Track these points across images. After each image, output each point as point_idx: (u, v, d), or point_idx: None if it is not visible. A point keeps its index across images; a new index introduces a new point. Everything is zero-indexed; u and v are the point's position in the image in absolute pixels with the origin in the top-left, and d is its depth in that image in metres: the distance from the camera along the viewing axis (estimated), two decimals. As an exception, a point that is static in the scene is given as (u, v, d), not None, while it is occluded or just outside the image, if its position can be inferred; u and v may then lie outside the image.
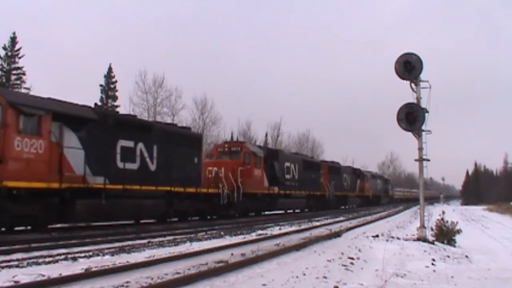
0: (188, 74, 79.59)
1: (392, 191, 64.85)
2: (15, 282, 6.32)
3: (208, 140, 43.34)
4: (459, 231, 13.47)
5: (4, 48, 38.74)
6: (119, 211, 15.48)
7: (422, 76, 13.05)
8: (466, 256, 11.18)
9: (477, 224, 26.17)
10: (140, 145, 16.56)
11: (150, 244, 11.44)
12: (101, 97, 42.47)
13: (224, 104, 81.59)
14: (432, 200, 68.95)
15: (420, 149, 12.97)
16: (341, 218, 24.94)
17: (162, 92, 43.23)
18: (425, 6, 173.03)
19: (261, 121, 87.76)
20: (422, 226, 12.97)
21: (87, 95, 53.14)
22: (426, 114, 12.81)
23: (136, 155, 16.34)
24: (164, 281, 6.40)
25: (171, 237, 13.09)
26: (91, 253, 9.47)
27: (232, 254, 9.46)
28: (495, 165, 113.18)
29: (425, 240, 12.50)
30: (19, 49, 39.12)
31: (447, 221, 13.67)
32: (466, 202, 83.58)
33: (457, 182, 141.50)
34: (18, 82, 38.55)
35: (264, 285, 6.52)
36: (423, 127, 12.90)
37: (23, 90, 34.90)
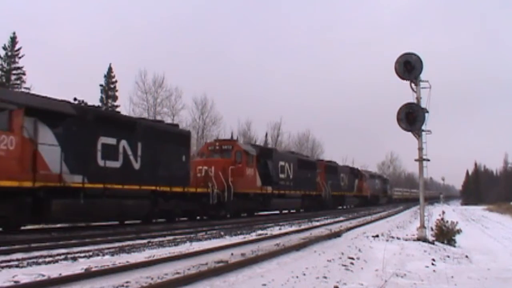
0: (188, 74, 79.66)
1: (391, 191, 64.38)
2: (15, 282, 6.32)
3: (208, 140, 43.36)
4: (459, 231, 13.48)
5: (4, 48, 38.79)
6: (99, 211, 14.85)
7: (422, 76, 13.08)
8: (466, 256, 11.18)
9: (477, 224, 26.17)
10: (123, 143, 15.94)
11: (150, 244, 11.44)
12: (101, 97, 42.53)
13: (224, 104, 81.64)
14: (432, 200, 68.91)
15: (420, 149, 12.97)
16: (341, 218, 24.94)
17: (162, 92, 43.34)
18: (425, 6, 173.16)
19: (261, 121, 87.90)
20: (422, 226, 12.97)
21: (87, 95, 53.16)
22: (426, 114, 12.81)
23: (119, 152, 15.74)
24: (164, 281, 6.40)
25: (171, 237, 13.09)
26: (91, 253, 9.47)
27: (232, 254, 9.46)
28: (495, 165, 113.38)
29: (425, 240, 12.50)
30: (19, 49, 39.17)
31: (447, 221, 13.67)
32: (466, 202, 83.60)
33: (457, 182, 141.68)
34: (18, 82, 38.58)
35: (264, 285, 6.52)
36: (423, 127, 12.91)
37: (23, 90, 34.90)
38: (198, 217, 20.69)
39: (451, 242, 13.08)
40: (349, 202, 42.54)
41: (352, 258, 9.15)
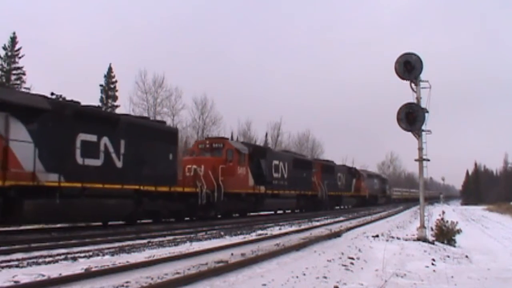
0: (188, 74, 79.67)
1: (389, 191, 63.48)
2: (15, 282, 6.33)
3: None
4: (459, 231, 13.47)
5: (4, 48, 38.80)
6: (78, 211, 14.09)
7: (422, 76, 13.08)
8: (466, 256, 11.18)
9: (477, 224, 26.17)
10: (105, 140, 15.19)
11: (150, 244, 11.44)
12: (101, 97, 42.55)
13: (224, 104, 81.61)
14: (432, 200, 68.88)
15: (420, 149, 12.97)
16: (341, 218, 24.94)
17: (162, 92, 43.34)
18: (425, 6, 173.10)
19: (261, 121, 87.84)
20: (422, 226, 12.97)
21: (87, 95, 53.15)
22: (426, 114, 12.81)
23: (100, 150, 14.98)
24: (164, 281, 6.40)
25: (171, 237, 13.09)
26: (91, 253, 9.47)
27: (232, 254, 9.46)
28: (495, 165, 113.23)
29: (425, 240, 12.50)
30: (19, 49, 39.18)
31: (447, 221, 13.67)
32: (466, 202, 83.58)
33: (457, 182, 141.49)
34: (18, 82, 38.59)
35: (264, 285, 6.52)
36: (423, 127, 12.91)
37: (23, 90, 34.91)
38: (186, 218, 19.99)
39: (451, 242, 13.08)
40: (347, 202, 41.83)
41: (352, 258, 9.15)
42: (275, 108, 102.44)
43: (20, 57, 39.18)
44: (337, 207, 39.27)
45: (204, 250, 9.72)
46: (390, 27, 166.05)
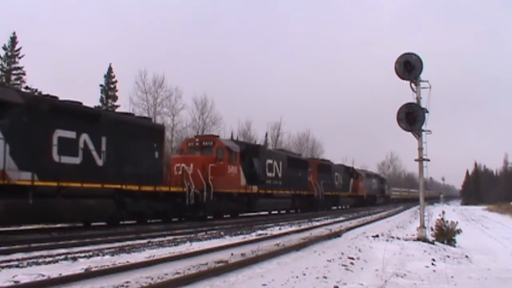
0: (188, 74, 79.58)
1: (388, 190, 63.07)
2: (15, 282, 6.33)
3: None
4: (459, 231, 13.47)
5: (4, 48, 38.79)
6: (53, 212, 13.35)
7: (422, 76, 13.07)
8: (466, 256, 11.18)
9: (477, 224, 26.18)
10: (84, 136, 14.47)
11: (150, 244, 11.45)
12: (101, 97, 42.54)
13: (224, 104, 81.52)
14: (432, 200, 68.82)
15: (420, 149, 12.97)
16: (341, 218, 24.95)
17: (162, 92, 43.35)
18: (425, 6, 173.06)
19: (261, 121, 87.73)
20: (422, 226, 12.97)
21: (87, 95, 53.16)
22: (426, 114, 12.81)
23: (79, 147, 14.27)
24: (164, 281, 6.40)
25: (171, 237, 13.09)
26: (91, 253, 9.47)
27: (232, 254, 9.46)
28: (495, 165, 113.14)
29: (425, 240, 12.50)
30: (19, 49, 39.17)
31: (447, 221, 13.67)
32: (466, 202, 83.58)
33: (457, 182, 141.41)
34: (18, 82, 38.59)
35: (264, 285, 6.52)
36: (423, 127, 12.90)
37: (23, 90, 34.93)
38: (174, 219, 19.30)
39: (451, 242, 13.08)
40: (344, 203, 41.23)
41: (352, 258, 9.15)
42: (275, 108, 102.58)
43: (20, 57, 39.19)
44: (334, 208, 38.74)
45: (204, 250, 9.72)
46: (390, 27, 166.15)
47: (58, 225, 15.61)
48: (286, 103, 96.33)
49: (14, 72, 39.03)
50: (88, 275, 6.77)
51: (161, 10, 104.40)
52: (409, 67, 12.85)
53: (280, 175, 27.51)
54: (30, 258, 8.65)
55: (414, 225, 17.25)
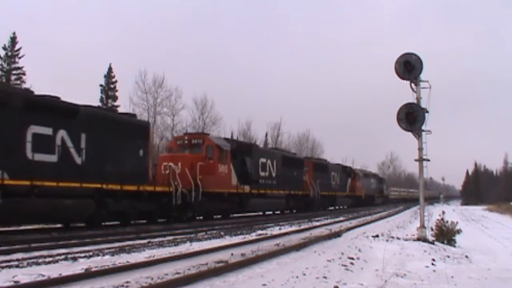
0: (188, 74, 79.54)
1: (387, 190, 62.27)
2: (15, 282, 6.33)
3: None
4: (459, 231, 13.47)
5: (4, 48, 38.83)
6: (27, 212, 12.67)
7: (422, 76, 13.07)
8: (466, 256, 11.18)
9: (477, 224, 26.18)
10: (62, 133, 13.79)
11: (150, 244, 11.45)
12: (101, 97, 42.56)
13: (224, 104, 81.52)
14: (432, 200, 68.69)
15: (420, 149, 12.97)
16: (341, 218, 24.96)
17: (162, 92, 43.39)
18: (425, 6, 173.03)
19: (261, 121, 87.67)
20: (422, 226, 12.97)
21: (88, 95, 53.20)
22: (426, 114, 12.81)
23: (56, 144, 13.59)
24: (164, 281, 6.40)
25: (171, 237, 13.10)
26: (91, 253, 9.48)
27: (232, 254, 9.46)
28: (495, 165, 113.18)
29: (425, 240, 12.50)
30: (19, 49, 39.21)
31: (447, 221, 13.67)
32: (466, 202, 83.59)
33: (457, 182, 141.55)
34: (18, 82, 38.60)
35: (264, 285, 6.52)
36: (423, 127, 12.90)
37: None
38: (161, 220, 18.49)
39: (451, 242, 13.08)
40: (341, 203, 40.49)
41: (352, 258, 9.15)
42: (275, 108, 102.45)
43: (20, 57, 39.23)
44: (332, 208, 38.13)
45: (204, 250, 9.73)
46: (390, 27, 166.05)
47: (58, 225, 15.60)
48: (286, 103, 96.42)
49: (14, 72, 39.06)
50: (88, 275, 6.77)
51: (161, 10, 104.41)
52: (409, 67, 12.85)
53: (274, 174, 26.77)
54: (30, 258, 8.65)
55: (414, 225, 17.25)
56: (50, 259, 8.71)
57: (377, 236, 13.13)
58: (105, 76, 43.08)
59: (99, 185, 14.84)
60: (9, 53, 38.96)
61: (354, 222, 21.40)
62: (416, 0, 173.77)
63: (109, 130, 15.55)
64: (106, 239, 12.09)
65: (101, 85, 42.82)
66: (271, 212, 28.30)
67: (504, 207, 46.69)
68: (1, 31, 62.62)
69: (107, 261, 8.47)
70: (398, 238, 12.98)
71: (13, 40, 38.89)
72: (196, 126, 44.64)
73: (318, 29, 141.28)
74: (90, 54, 75.34)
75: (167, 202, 17.97)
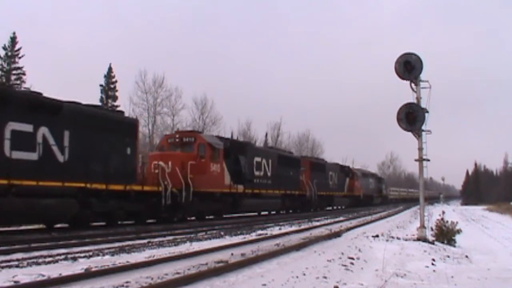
0: (188, 74, 79.61)
1: (386, 190, 61.48)
2: (15, 282, 6.33)
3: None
4: (459, 231, 13.48)
5: (4, 48, 38.87)
6: (4, 212, 12.14)
7: (422, 76, 13.08)
8: (466, 256, 11.19)
9: (477, 224, 26.19)
10: (43, 130, 13.24)
11: (150, 244, 11.45)
12: (101, 97, 42.60)
13: (224, 104, 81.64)
14: (432, 200, 68.54)
15: (420, 149, 12.98)
16: (341, 218, 24.96)
17: (162, 92, 43.51)
18: (425, 6, 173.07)
19: (261, 121, 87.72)
20: (422, 226, 12.98)
21: (88, 95, 53.19)
22: (426, 114, 12.82)
23: (37, 142, 13.02)
24: (164, 281, 6.40)
25: (171, 237, 13.10)
26: (91, 253, 9.48)
27: (232, 254, 9.46)
28: (495, 165, 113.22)
29: (425, 240, 12.51)
30: (19, 49, 39.26)
31: (447, 221, 13.68)
32: (466, 202, 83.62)
33: (457, 182, 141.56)
34: (18, 82, 38.61)
35: (264, 285, 6.52)
36: (423, 127, 12.91)
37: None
38: (148, 221, 17.82)
39: (451, 242, 13.09)
40: (339, 203, 39.82)
41: (352, 258, 9.15)
42: (275, 108, 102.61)
43: (20, 57, 39.29)
44: (329, 208, 37.55)
45: (204, 250, 9.73)
46: (390, 27, 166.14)
47: (58, 225, 15.59)
48: (286, 103, 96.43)
49: (14, 72, 39.10)
50: (88, 275, 6.77)
51: (161, 10, 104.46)
52: (409, 67, 12.86)
53: (269, 174, 26.07)
54: (30, 258, 8.65)
55: (414, 225, 17.26)
56: (50, 259, 8.71)
57: (377, 236, 13.13)
58: (105, 76, 43.14)
59: (82, 184, 14.26)
60: (9, 53, 39.00)
61: (354, 222, 21.40)
62: (416, 0, 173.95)
63: (94, 127, 15.02)
64: (106, 239, 12.09)
65: (101, 85, 42.88)
66: (266, 212, 27.74)
67: (504, 207, 46.71)
68: (1, 31, 62.73)
69: (107, 261, 8.47)
70: (398, 238, 12.98)
71: (13, 40, 38.93)
72: (196, 126, 44.64)
73: (318, 29, 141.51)
74: (90, 54, 75.49)
75: (156, 202, 17.38)
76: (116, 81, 43.41)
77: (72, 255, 9.11)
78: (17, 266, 7.86)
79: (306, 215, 27.64)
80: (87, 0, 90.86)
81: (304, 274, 7.35)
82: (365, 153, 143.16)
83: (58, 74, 63.58)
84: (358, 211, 34.77)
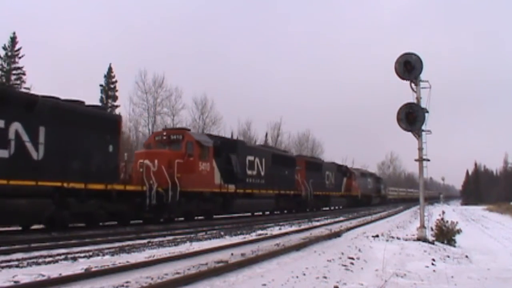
0: (188, 74, 79.65)
1: (385, 190, 60.98)
2: (15, 282, 6.33)
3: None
4: (459, 231, 13.48)
5: (4, 48, 38.90)
6: None
7: (422, 76, 13.07)
8: (466, 256, 11.19)
9: (477, 224, 26.19)
10: (16, 126, 12.54)
11: (150, 244, 11.45)
12: (101, 97, 42.61)
13: (224, 104, 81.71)
14: (432, 200, 68.41)
15: (420, 149, 12.98)
16: (341, 218, 24.96)
17: (162, 92, 43.49)
18: (425, 6, 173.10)
19: (261, 121, 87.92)
20: (422, 226, 12.98)
21: (88, 95, 53.20)
22: (426, 114, 12.82)
23: (9, 139, 12.34)
24: (164, 281, 6.40)
25: (171, 237, 13.10)
26: (91, 253, 9.48)
27: (232, 254, 9.46)
28: (495, 165, 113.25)
29: (425, 240, 12.51)
30: (19, 49, 39.29)
31: (447, 221, 13.68)
32: (466, 202, 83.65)
33: (457, 182, 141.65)
34: (18, 82, 38.63)
35: (264, 285, 6.52)
36: (423, 127, 12.91)
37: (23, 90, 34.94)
38: (132, 221, 17.16)
39: (451, 242, 13.09)
40: (336, 203, 39.06)
41: (352, 258, 9.15)
42: (275, 108, 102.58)
43: (20, 57, 39.32)
44: (326, 208, 36.91)
45: (204, 250, 9.73)
46: (390, 27, 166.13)
47: (58, 225, 15.59)
48: (286, 103, 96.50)
49: (14, 72, 39.12)
50: (88, 275, 6.77)
51: (161, 10, 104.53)
52: (409, 67, 12.86)
53: (263, 173, 25.29)
54: (30, 258, 8.65)
55: (414, 225, 17.26)
56: (50, 259, 8.71)
57: (377, 236, 13.13)
58: (105, 76, 43.17)
59: (59, 184, 13.49)
60: (9, 53, 39.02)
61: (354, 222, 21.40)
62: (416, 0, 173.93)
63: (73, 123, 14.28)
64: (106, 239, 12.09)
65: (101, 85, 42.92)
66: (260, 213, 27.14)
67: (504, 207, 46.71)
68: (1, 31, 62.64)
69: (107, 261, 8.47)
70: (398, 238, 12.98)
71: (13, 40, 38.96)
72: (196, 126, 44.75)
73: (318, 29, 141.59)
74: (90, 54, 75.53)
75: (141, 202, 16.67)
76: (116, 81, 43.49)
77: (72, 255, 9.11)
78: (17, 266, 7.86)
79: (305, 215, 27.57)
80: (87, 0, 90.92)
81: (304, 274, 7.35)
82: (365, 153, 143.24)
83: (58, 74, 63.65)
84: (358, 211, 34.69)
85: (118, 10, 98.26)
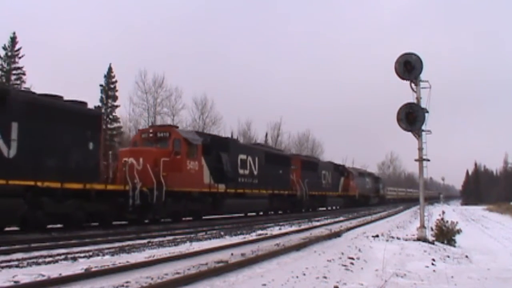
0: (188, 74, 79.63)
1: (383, 190, 60.19)
2: (15, 282, 6.33)
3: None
4: (459, 231, 13.48)
5: (4, 48, 38.85)
6: None
7: (422, 76, 13.06)
8: (466, 256, 11.19)
9: (477, 224, 26.19)
10: None
11: (150, 244, 11.45)
12: (101, 97, 42.57)
13: (224, 104, 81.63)
14: (431, 200, 68.31)
15: (420, 149, 12.97)
16: (341, 218, 24.96)
17: (162, 92, 43.49)
18: (425, 6, 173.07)
19: (261, 121, 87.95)
20: (422, 226, 12.97)
21: (88, 95, 53.17)
22: (426, 114, 12.82)
23: None
24: (164, 281, 6.40)
25: (171, 237, 13.10)
26: (91, 253, 9.48)
27: (232, 254, 9.46)
28: (495, 165, 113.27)
29: (425, 240, 12.51)
30: (19, 49, 39.24)
31: (447, 221, 13.67)
32: (466, 202, 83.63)
33: (457, 182, 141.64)
34: (18, 82, 38.61)
35: (264, 285, 6.52)
36: (423, 127, 12.90)
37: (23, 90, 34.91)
38: (114, 223, 16.51)
39: (451, 242, 13.09)
40: (332, 203, 38.36)
41: (352, 258, 9.15)
42: (275, 108, 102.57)
43: (20, 57, 39.26)
44: (322, 209, 36.13)
45: (204, 250, 9.73)
46: (390, 27, 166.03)
47: (58, 225, 15.59)
48: (286, 103, 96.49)
49: (14, 72, 39.09)
50: (88, 275, 6.77)
51: (161, 10, 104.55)
52: (409, 67, 12.85)
53: (255, 172, 24.49)
54: (30, 258, 8.65)
55: (414, 225, 17.25)
56: (50, 259, 8.71)
57: (377, 236, 13.13)
58: (105, 76, 43.09)
59: (32, 183, 12.76)
60: (9, 53, 38.98)
61: (354, 222, 21.40)
62: (416, 0, 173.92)
63: (49, 119, 13.54)
64: (106, 239, 12.09)
65: (101, 85, 42.83)
66: (254, 213, 26.56)
67: (504, 207, 46.69)
68: (1, 31, 62.65)
69: (107, 261, 8.47)
70: (398, 238, 12.98)
71: (13, 40, 38.92)
72: (196, 126, 44.72)
73: (318, 29, 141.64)
74: (90, 54, 75.55)
75: (124, 202, 15.94)
76: (116, 81, 43.39)
77: (72, 255, 9.12)
78: (17, 266, 7.86)
79: (305, 215, 27.57)
80: (87, 0, 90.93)
81: (304, 274, 7.35)
82: (365, 153, 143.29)
83: (58, 74, 63.56)
84: (358, 211, 34.63)
85: (118, 10, 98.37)
